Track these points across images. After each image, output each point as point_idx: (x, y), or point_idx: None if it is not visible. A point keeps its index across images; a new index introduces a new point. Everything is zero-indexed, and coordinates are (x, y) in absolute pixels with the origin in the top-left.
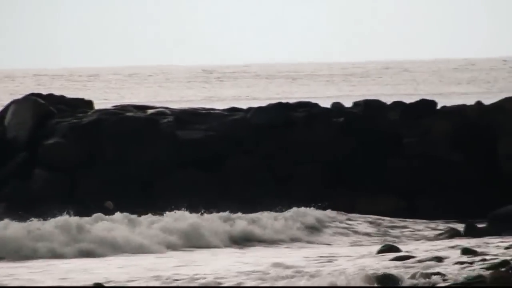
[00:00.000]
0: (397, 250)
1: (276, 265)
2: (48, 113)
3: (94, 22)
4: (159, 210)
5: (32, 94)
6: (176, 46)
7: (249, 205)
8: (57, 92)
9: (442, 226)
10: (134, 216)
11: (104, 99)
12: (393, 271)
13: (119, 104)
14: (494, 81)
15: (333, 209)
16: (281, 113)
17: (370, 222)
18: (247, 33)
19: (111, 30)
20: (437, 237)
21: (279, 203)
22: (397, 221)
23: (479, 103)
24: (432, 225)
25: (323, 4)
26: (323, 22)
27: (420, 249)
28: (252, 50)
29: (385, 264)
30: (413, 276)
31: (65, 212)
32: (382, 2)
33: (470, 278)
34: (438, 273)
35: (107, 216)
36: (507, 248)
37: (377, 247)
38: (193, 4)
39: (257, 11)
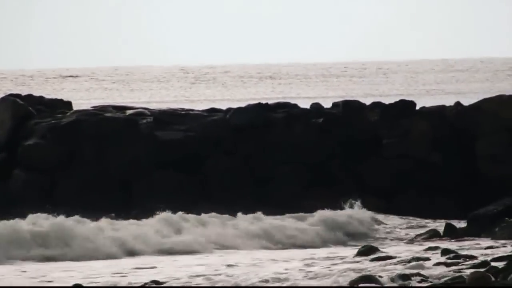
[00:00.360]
0: (377, 250)
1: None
2: (27, 113)
3: (70, 22)
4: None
5: (11, 95)
6: (152, 46)
7: (228, 207)
8: (34, 93)
9: (421, 226)
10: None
11: (81, 100)
12: (373, 272)
13: (98, 104)
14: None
15: (313, 210)
16: (260, 114)
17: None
18: (227, 34)
19: (88, 30)
20: (416, 238)
21: (258, 204)
22: (376, 221)
23: (458, 104)
24: (412, 225)
25: (306, 4)
26: (304, 22)
27: (399, 249)
28: (227, 52)
29: (364, 266)
30: (392, 278)
31: None
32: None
33: (450, 279)
34: (418, 274)
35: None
36: (486, 248)
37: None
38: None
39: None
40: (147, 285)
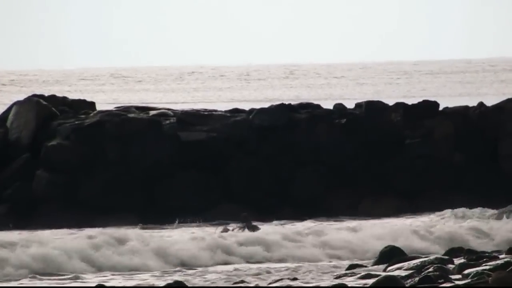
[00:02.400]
0: (398, 249)
1: None
2: (51, 114)
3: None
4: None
5: (35, 95)
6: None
7: (254, 207)
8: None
9: (443, 225)
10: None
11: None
12: (395, 272)
13: (121, 105)
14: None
15: (336, 210)
16: (283, 114)
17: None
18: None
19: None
20: (438, 237)
21: (281, 204)
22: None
23: (481, 104)
24: (433, 224)
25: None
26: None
27: (419, 248)
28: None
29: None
30: (414, 277)
31: None
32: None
33: (473, 279)
34: (440, 274)
35: None
36: (510, 248)
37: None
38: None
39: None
40: None
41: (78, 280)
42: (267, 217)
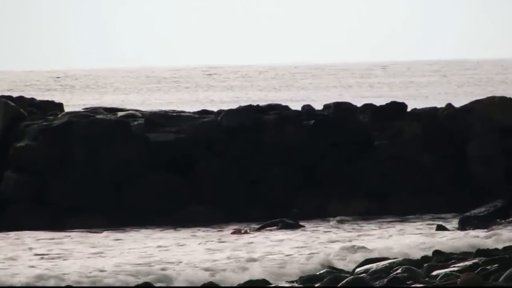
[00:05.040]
0: (363, 248)
1: None
2: (19, 115)
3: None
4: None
5: (2, 96)
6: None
7: (223, 208)
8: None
9: (412, 228)
10: None
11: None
12: (363, 274)
13: (89, 106)
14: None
15: (305, 212)
16: (251, 116)
17: (338, 221)
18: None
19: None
20: (407, 239)
21: (250, 205)
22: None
23: (449, 106)
24: (402, 226)
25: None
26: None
27: (391, 250)
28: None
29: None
30: (382, 278)
31: None
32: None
33: (441, 280)
34: (409, 275)
35: None
36: (478, 250)
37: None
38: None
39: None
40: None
41: None
42: (236, 219)
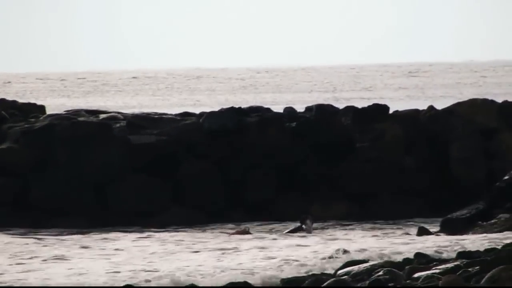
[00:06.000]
0: (347, 252)
1: None
2: (0, 117)
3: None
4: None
5: None
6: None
7: (205, 210)
8: None
9: (394, 230)
10: None
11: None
12: (345, 276)
13: (71, 109)
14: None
15: (287, 214)
16: (233, 118)
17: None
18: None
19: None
20: (389, 241)
21: (232, 208)
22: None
23: (431, 108)
24: (384, 229)
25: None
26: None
27: (371, 253)
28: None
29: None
30: (364, 280)
31: None
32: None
33: (423, 282)
34: (390, 278)
35: None
36: (459, 252)
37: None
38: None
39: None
40: None
41: None
42: (217, 221)
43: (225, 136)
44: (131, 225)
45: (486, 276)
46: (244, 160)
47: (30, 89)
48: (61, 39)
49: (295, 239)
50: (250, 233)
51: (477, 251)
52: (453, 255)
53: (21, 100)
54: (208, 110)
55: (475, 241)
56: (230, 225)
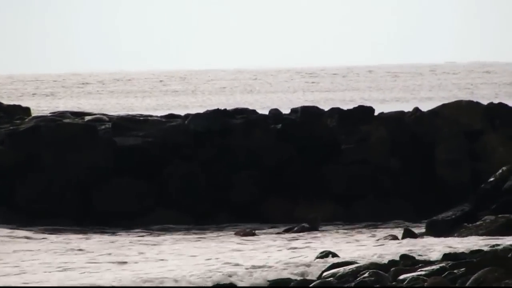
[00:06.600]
0: (336, 256)
1: None
2: None
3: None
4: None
5: None
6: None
7: (190, 212)
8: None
9: (379, 232)
10: None
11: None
12: (331, 278)
13: (56, 111)
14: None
15: (271, 216)
16: (218, 120)
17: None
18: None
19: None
20: (375, 243)
21: (217, 209)
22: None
23: (416, 110)
24: (370, 231)
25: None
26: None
27: (357, 255)
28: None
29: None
30: (349, 282)
31: None
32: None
33: (408, 284)
34: (376, 279)
35: None
36: (445, 254)
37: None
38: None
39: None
40: None
41: None
42: (204, 222)
43: (211, 137)
44: (116, 227)
45: (472, 278)
46: (230, 161)
47: (17, 91)
48: (57, 40)
49: (280, 241)
50: (256, 235)
51: (463, 253)
52: (439, 256)
53: (6, 102)
54: (193, 112)
55: (460, 243)
56: (213, 227)
